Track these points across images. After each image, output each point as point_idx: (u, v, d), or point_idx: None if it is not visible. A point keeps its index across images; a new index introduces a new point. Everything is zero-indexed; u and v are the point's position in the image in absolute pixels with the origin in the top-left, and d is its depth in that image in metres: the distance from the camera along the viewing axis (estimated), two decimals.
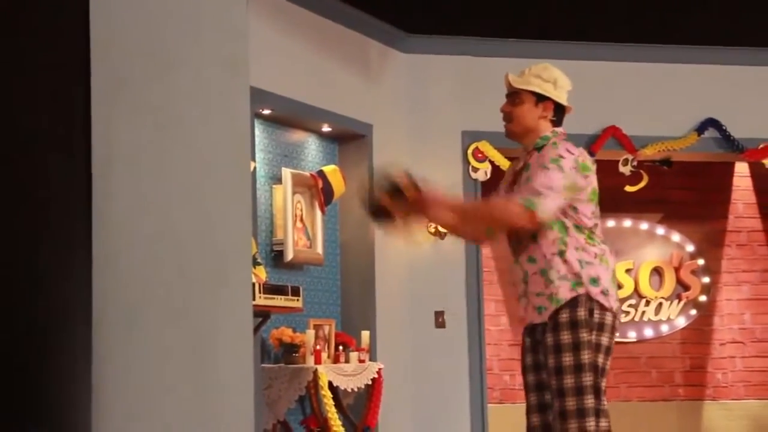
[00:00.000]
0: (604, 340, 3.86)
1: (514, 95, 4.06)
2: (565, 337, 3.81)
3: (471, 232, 4.18)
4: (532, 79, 4.03)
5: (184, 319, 2.66)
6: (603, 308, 3.85)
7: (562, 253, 3.86)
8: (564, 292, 3.84)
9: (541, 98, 4.03)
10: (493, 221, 3.93)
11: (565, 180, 3.84)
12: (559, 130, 4.05)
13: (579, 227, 3.89)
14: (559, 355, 3.81)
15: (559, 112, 4.07)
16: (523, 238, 3.96)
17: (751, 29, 7.80)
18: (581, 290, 3.83)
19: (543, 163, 3.87)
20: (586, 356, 3.80)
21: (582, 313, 3.82)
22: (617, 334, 3.98)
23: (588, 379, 3.79)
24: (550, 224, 3.87)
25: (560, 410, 3.79)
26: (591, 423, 3.76)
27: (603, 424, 3.82)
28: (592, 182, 3.94)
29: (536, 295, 3.92)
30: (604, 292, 3.86)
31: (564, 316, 3.83)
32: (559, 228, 3.88)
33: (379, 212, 3.94)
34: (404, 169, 3.99)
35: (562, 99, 4.05)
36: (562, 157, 3.87)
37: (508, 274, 4.05)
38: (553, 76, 4.05)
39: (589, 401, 3.78)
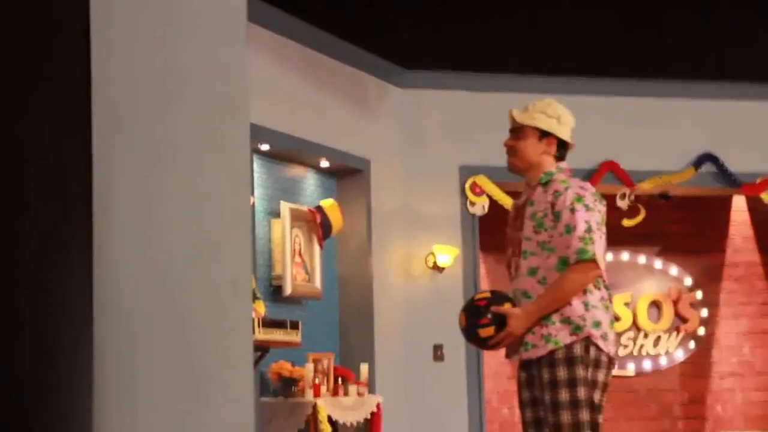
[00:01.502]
0: (600, 376, 3.87)
1: (518, 130, 4.08)
2: (562, 373, 3.82)
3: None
4: (537, 115, 4.06)
5: (183, 354, 2.67)
6: (599, 348, 3.87)
7: None
8: (564, 335, 3.85)
9: (544, 134, 4.05)
10: (573, 296, 3.90)
11: (597, 216, 3.89)
12: (563, 165, 4.08)
13: None
14: (555, 390, 3.82)
15: (562, 148, 4.10)
16: (521, 272, 3.98)
17: (747, 64, 7.86)
18: (582, 334, 3.84)
19: (567, 205, 3.89)
20: (582, 392, 3.81)
21: (578, 349, 3.84)
22: (612, 372, 3.99)
23: (584, 415, 3.80)
24: (561, 264, 3.90)
25: None
26: None
27: None
28: (604, 213, 3.99)
29: (527, 331, 3.93)
30: (604, 337, 3.88)
31: (560, 353, 3.84)
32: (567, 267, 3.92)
33: (475, 336, 4.06)
34: (492, 292, 4.09)
35: (565, 135, 4.08)
36: (582, 196, 3.91)
37: None
38: (557, 113, 4.07)
39: None
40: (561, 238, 3.87)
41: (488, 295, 4.08)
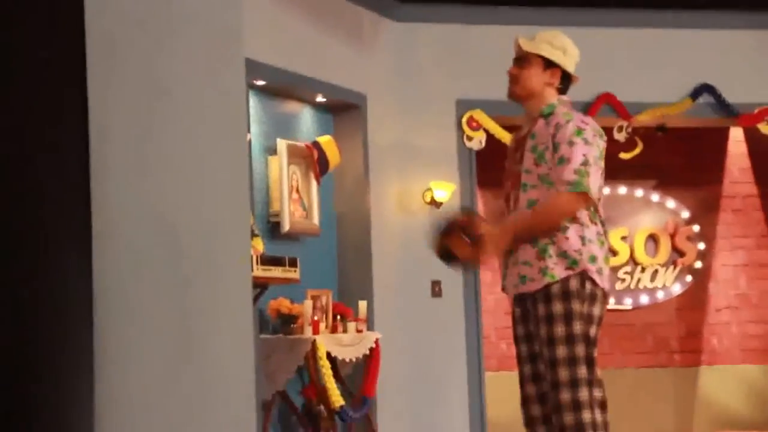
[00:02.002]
0: (596, 311, 3.88)
1: (523, 59, 4.04)
2: (558, 307, 3.82)
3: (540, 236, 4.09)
4: (543, 45, 4.02)
5: (183, 291, 2.66)
6: (595, 284, 3.87)
7: (565, 230, 3.86)
8: (560, 270, 3.84)
9: (549, 64, 4.02)
10: (556, 223, 3.87)
11: (595, 150, 3.87)
12: (564, 98, 4.05)
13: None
14: (551, 325, 3.82)
15: (565, 80, 4.06)
16: (521, 205, 3.96)
17: None
18: (578, 268, 3.83)
19: (567, 138, 3.86)
20: (578, 327, 3.81)
21: (574, 284, 3.83)
22: (606, 307, 3.99)
23: (580, 349, 3.80)
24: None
25: (553, 380, 3.80)
26: (584, 393, 3.77)
27: (597, 394, 3.83)
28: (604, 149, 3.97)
29: (523, 263, 3.92)
30: (599, 272, 3.88)
31: (556, 287, 3.84)
32: None
33: (447, 255, 3.97)
34: (462, 210, 4.03)
35: (570, 67, 4.05)
36: (582, 129, 3.88)
37: None
38: (563, 44, 4.04)
39: (582, 371, 3.79)
40: (556, 168, 3.85)
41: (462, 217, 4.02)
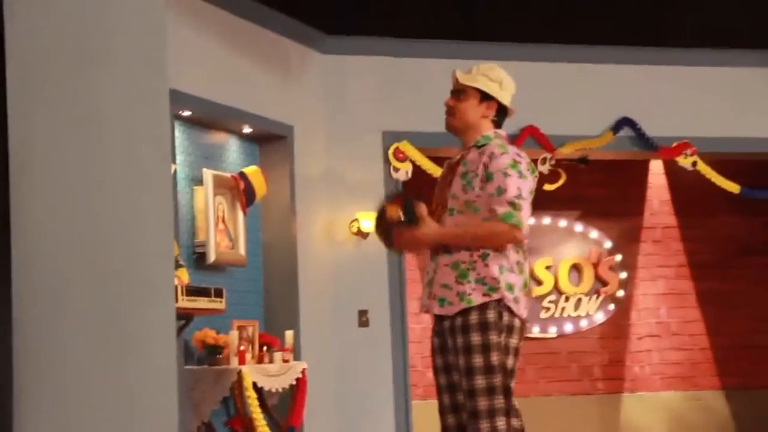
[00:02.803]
0: (513, 341, 3.93)
1: (459, 91, 4.11)
2: (475, 338, 3.87)
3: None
4: (479, 77, 4.09)
5: (106, 322, 2.65)
6: (512, 313, 3.93)
7: (485, 257, 3.92)
8: (477, 295, 3.90)
9: (485, 97, 4.09)
10: (483, 245, 3.95)
11: (528, 184, 3.95)
12: (500, 132, 4.12)
13: None
14: (469, 356, 3.87)
15: (501, 114, 4.14)
16: (444, 226, 4.01)
17: (662, 29, 7.98)
18: (495, 296, 3.89)
19: (502, 169, 3.92)
20: (495, 358, 3.86)
21: (492, 315, 3.89)
22: (524, 336, 4.05)
23: (497, 379, 3.85)
24: None
25: (472, 410, 3.84)
26: (502, 422, 3.82)
27: (515, 423, 3.88)
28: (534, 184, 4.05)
29: (441, 286, 3.97)
30: (516, 300, 3.94)
31: (474, 318, 3.89)
32: None
33: (388, 234, 4.05)
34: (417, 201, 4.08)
35: (506, 100, 4.12)
36: (518, 162, 3.95)
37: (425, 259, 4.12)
38: (499, 77, 4.11)
39: (500, 401, 3.84)
40: (489, 198, 3.91)
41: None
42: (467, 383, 3.85)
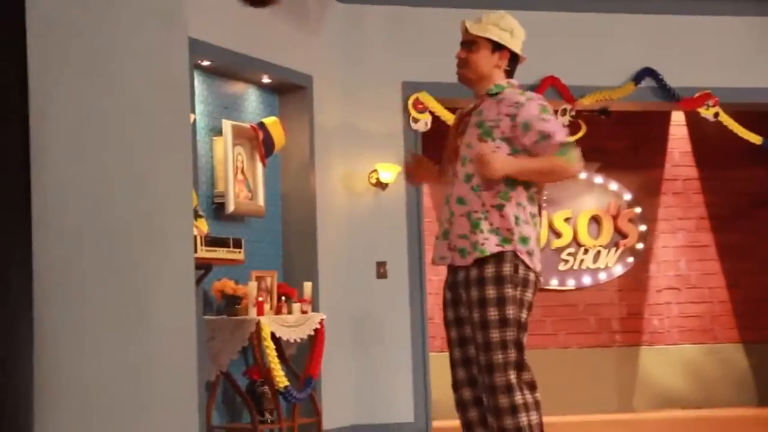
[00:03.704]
0: (528, 295, 3.92)
1: (470, 42, 4.05)
2: (491, 292, 3.85)
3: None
4: (490, 27, 4.04)
5: (125, 273, 2.65)
6: (527, 267, 3.91)
7: (500, 207, 3.89)
8: (491, 245, 3.87)
9: (497, 47, 4.04)
10: (555, 179, 3.99)
11: (561, 121, 3.94)
12: (513, 81, 4.08)
13: (527, 183, 3.93)
14: (484, 309, 3.85)
15: (513, 62, 4.09)
16: (459, 179, 3.97)
17: None
18: (509, 247, 3.86)
19: (537, 115, 3.88)
20: (510, 311, 3.85)
21: (507, 268, 3.86)
22: (537, 289, 4.04)
23: (512, 333, 3.84)
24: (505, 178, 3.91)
25: (486, 363, 3.84)
26: (513, 375, 3.82)
27: (526, 376, 3.88)
28: None
29: (459, 237, 3.93)
30: (530, 253, 3.91)
31: (490, 271, 3.86)
32: (507, 180, 3.90)
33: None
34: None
35: (517, 48, 4.08)
36: (546, 107, 3.94)
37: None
38: (510, 26, 4.06)
39: (512, 355, 3.84)
40: (534, 145, 3.87)
41: None
42: (481, 336, 3.84)
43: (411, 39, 7.63)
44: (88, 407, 2.54)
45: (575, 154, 3.91)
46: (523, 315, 3.89)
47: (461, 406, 4.00)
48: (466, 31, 4.07)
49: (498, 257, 3.86)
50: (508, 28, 4.05)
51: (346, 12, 7.49)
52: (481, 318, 3.84)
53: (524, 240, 3.88)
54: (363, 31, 7.56)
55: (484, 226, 3.89)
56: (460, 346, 3.99)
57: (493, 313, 3.83)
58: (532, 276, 3.92)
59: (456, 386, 4.01)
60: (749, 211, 9.29)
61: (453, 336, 4.02)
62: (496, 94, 3.99)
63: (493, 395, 3.82)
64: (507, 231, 3.87)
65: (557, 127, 3.90)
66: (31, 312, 2.47)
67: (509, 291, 3.85)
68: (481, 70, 4.03)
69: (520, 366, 3.85)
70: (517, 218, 3.89)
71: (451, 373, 4.03)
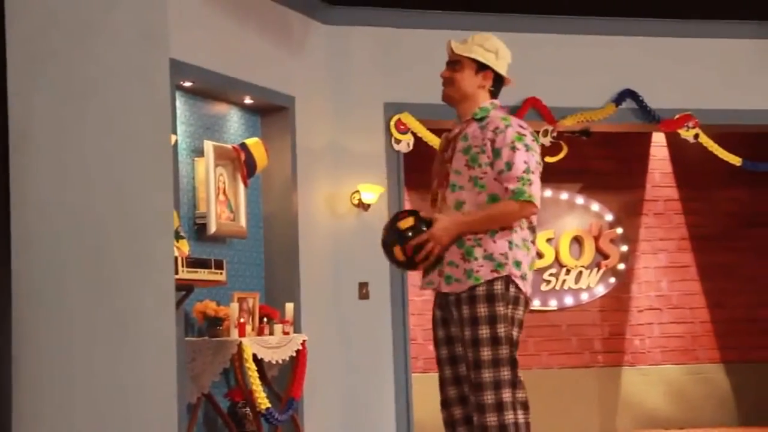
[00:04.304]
0: (519, 314, 3.93)
1: (455, 62, 4.08)
2: (482, 310, 3.86)
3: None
4: (475, 48, 4.06)
5: (106, 294, 2.64)
6: (518, 288, 3.92)
7: (493, 233, 3.90)
8: (485, 272, 3.88)
9: (481, 67, 4.05)
10: (498, 224, 3.93)
11: (535, 156, 3.93)
12: (497, 102, 4.09)
13: None
14: (475, 327, 3.85)
15: (498, 83, 4.11)
16: (449, 205, 3.98)
17: (666, 1, 7.93)
18: (503, 272, 3.88)
19: (508, 143, 3.90)
20: (502, 329, 3.85)
21: (499, 287, 3.88)
22: (527, 311, 4.04)
23: (504, 351, 3.84)
24: (492, 201, 3.92)
25: (477, 382, 3.84)
26: (507, 394, 3.82)
27: (519, 395, 3.87)
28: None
29: (448, 264, 3.95)
30: (523, 277, 3.93)
31: (481, 290, 3.87)
32: None
33: (405, 264, 4.01)
34: (409, 214, 4.03)
35: (502, 70, 4.09)
36: (522, 135, 3.93)
37: None
38: (495, 47, 4.08)
39: (506, 373, 3.84)
40: (499, 175, 3.89)
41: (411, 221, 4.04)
42: (473, 355, 3.84)
43: (394, 60, 7.66)
44: (68, 427, 2.52)
45: (531, 191, 3.89)
46: (515, 333, 3.90)
47: (450, 424, 3.99)
48: (451, 50, 4.10)
49: (489, 293, 3.88)
50: (493, 49, 4.07)
51: (329, 33, 7.51)
52: (473, 336, 3.85)
53: (518, 264, 3.91)
54: (346, 52, 7.58)
55: (478, 253, 3.90)
56: (451, 365, 3.98)
57: (484, 331, 3.84)
58: (522, 296, 3.93)
59: (446, 405, 4.00)
60: (730, 232, 9.34)
61: (443, 355, 4.01)
62: (482, 118, 4.00)
63: (482, 413, 3.82)
64: (501, 256, 3.89)
65: (521, 160, 3.89)
66: (10, 333, 2.46)
67: (501, 309, 3.86)
68: (464, 90, 4.05)
69: (514, 384, 3.85)
70: (510, 243, 3.91)
71: (441, 391, 4.02)
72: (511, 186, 3.87)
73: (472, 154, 3.95)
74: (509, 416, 3.81)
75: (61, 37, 2.69)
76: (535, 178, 3.92)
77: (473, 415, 3.88)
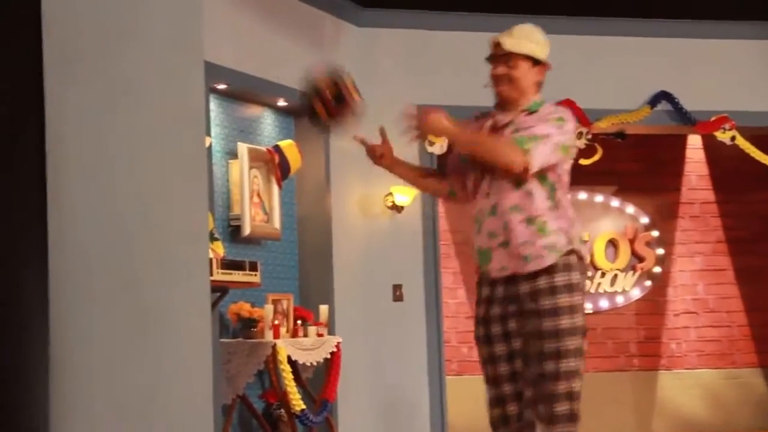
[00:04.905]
0: (585, 283, 3.94)
1: (508, 58, 3.93)
2: (563, 300, 3.78)
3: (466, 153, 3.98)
4: (524, 42, 3.94)
5: (142, 296, 2.66)
6: (584, 271, 3.91)
7: (553, 208, 3.84)
8: (562, 243, 3.81)
9: (536, 61, 3.97)
10: (490, 156, 3.82)
11: (562, 138, 3.83)
12: (543, 98, 4.03)
13: (562, 190, 3.89)
14: (556, 317, 3.76)
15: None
16: (504, 188, 3.87)
17: (702, 2, 7.87)
18: (573, 246, 3.84)
19: (544, 118, 3.84)
20: (580, 319, 3.82)
21: (576, 277, 3.82)
22: None
23: (581, 341, 3.82)
24: (542, 180, 3.84)
25: (555, 372, 3.74)
26: (578, 384, 3.80)
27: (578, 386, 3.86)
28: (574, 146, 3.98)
29: (522, 244, 3.83)
30: (585, 252, 3.94)
31: (560, 280, 3.79)
32: (549, 185, 3.85)
33: (316, 115, 4.03)
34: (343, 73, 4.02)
35: (548, 61, 4.03)
36: (563, 119, 3.87)
37: (479, 225, 3.95)
38: (541, 38, 4.00)
39: (582, 363, 3.81)
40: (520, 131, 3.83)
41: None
42: (554, 345, 3.75)
43: (427, 62, 7.65)
44: (105, 427, 2.54)
45: (533, 150, 3.76)
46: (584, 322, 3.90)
47: (504, 421, 3.90)
48: (498, 46, 3.96)
49: (567, 263, 3.81)
50: (542, 42, 3.99)
51: (363, 35, 7.51)
52: (554, 326, 3.77)
53: (582, 241, 3.91)
54: (379, 55, 7.58)
55: (549, 227, 3.83)
56: (508, 361, 3.88)
57: (565, 321, 3.78)
58: (583, 280, 3.91)
59: (499, 402, 3.89)
60: (767, 235, 9.24)
61: (500, 351, 3.88)
62: (535, 111, 3.93)
63: (549, 403, 3.73)
64: (566, 232, 3.85)
65: (543, 129, 3.80)
66: (48, 334, 2.48)
67: (578, 299, 3.84)
68: (523, 86, 3.92)
69: (581, 375, 3.84)
70: (571, 220, 3.88)
71: (493, 389, 3.90)
72: (520, 135, 3.80)
73: (518, 138, 3.87)
74: (577, 406, 3.79)
75: (96, 41, 2.71)
76: (546, 149, 3.79)
77: (531, 407, 3.79)
